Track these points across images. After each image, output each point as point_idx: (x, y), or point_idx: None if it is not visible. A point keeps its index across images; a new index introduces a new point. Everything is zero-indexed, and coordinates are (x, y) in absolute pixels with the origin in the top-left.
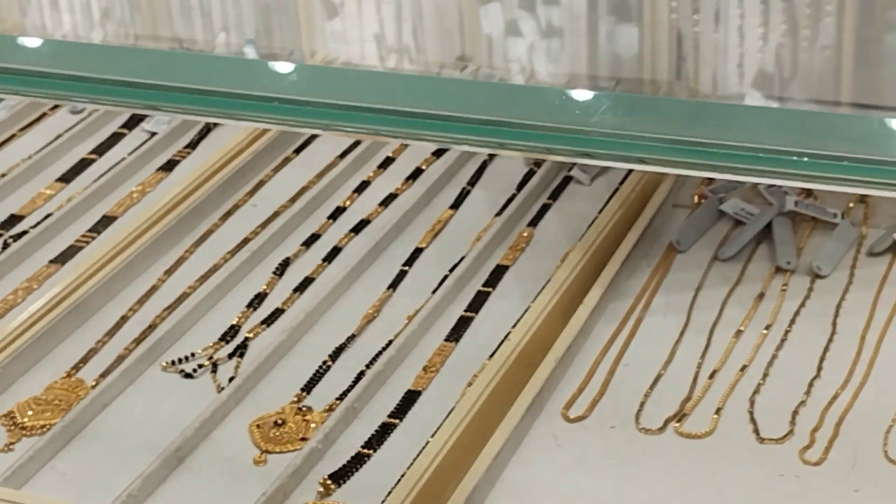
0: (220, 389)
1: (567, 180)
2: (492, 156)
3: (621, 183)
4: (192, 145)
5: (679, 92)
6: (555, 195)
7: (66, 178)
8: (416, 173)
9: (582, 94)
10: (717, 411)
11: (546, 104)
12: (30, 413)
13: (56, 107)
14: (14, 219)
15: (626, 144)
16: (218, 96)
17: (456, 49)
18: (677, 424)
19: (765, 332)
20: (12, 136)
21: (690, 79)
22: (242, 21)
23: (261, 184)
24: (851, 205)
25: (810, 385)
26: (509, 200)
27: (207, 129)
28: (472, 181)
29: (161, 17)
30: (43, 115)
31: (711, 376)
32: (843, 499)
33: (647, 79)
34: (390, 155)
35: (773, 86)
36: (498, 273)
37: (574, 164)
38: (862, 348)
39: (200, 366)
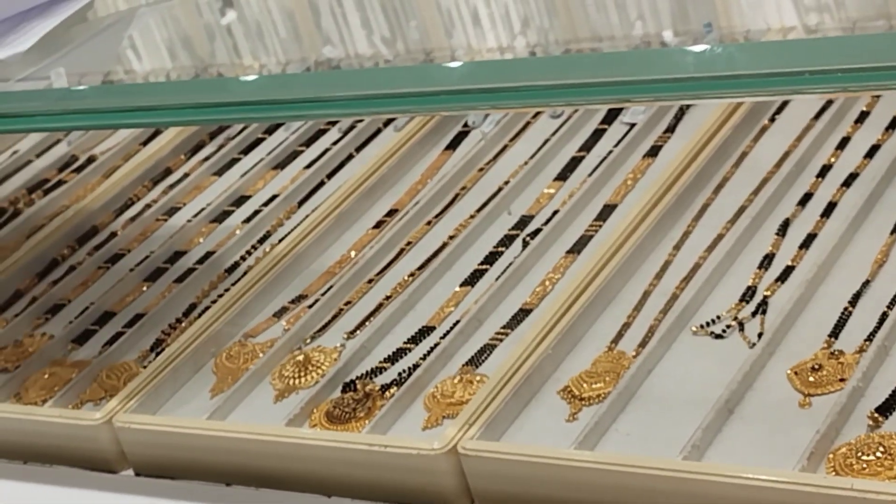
0: (752, 345)
1: None
2: None
3: None
4: (671, 129)
5: None
6: None
7: (563, 176)
8: (894, 123)
9: None
10: None
11: None
12: (584, 385)
13: (538, 114)
14: (525, 219)
15: None
16: (684, 82)
17: (877, 1)
18: None
19: None
20: (505, 147)
21: None
22: (657, 7)
23: (744, 155)
24: None
25: None
26: None
27: (682, 113)
28: None
29: (578, 17)
30: (527, 124)
31: None
32: None
33: None
34: (864, 109)
35: None
36: None
37: None
38: None
39: (728, 326)
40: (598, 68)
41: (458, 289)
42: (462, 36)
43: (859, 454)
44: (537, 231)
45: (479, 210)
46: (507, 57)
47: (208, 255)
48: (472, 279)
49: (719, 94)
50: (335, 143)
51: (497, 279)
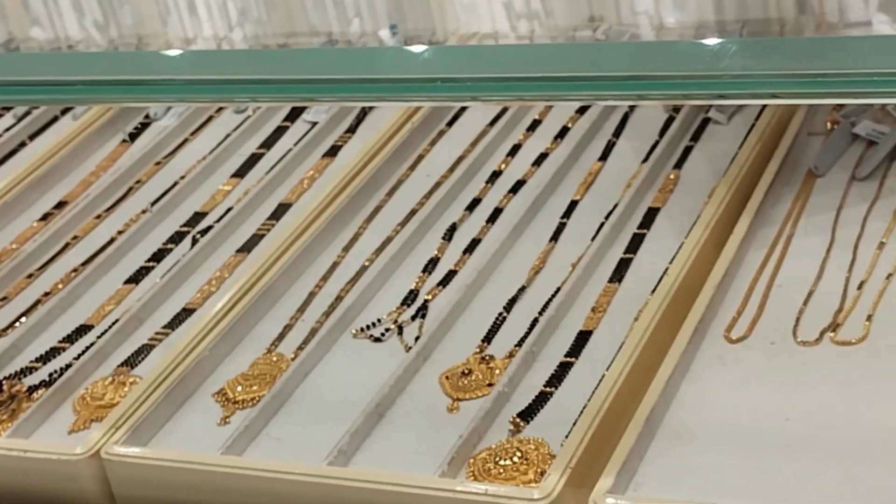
0: (408, 349)
1: (706, 122)
2: (632, 108)
3: (757, 118)
4: (352, 129)
5: (806, 24)
6: (695, 137)
7: (240, 173)
8: (563, 132)
9: (711, 42)
10: (868, 318)
11: (678, 55)
12: (239, 388)
13: (220, 109)
14: (198, 216)
15: (758, 83)
16: (372, 83)
17: (584, 11)
18: (832, 334)
19: None
20: (185, 141)
21: (816, 12)
22: (374, 6)
23: (420, 158)
24: None
25: None
26: (653, 147)
27: (364, 114)
28: (617, 133)
29: (296, 11)
30: (210, 119)
31: (860, 287)
32: None
33: (774, 17)
34: (537, 118)
35: None
36: (650, 215)
37: (711, 106)
38: None
39: (387, 330)
40: (282, 65)
41: (121, 286)
42: (178, 24)
43: (497, 459)
44: (209, 228)
45: (152, 204)
46: (225, 47)
47: None
48: (137, 276)
49: (392, 97)
50: (8, 129)
51: (162, 277)
